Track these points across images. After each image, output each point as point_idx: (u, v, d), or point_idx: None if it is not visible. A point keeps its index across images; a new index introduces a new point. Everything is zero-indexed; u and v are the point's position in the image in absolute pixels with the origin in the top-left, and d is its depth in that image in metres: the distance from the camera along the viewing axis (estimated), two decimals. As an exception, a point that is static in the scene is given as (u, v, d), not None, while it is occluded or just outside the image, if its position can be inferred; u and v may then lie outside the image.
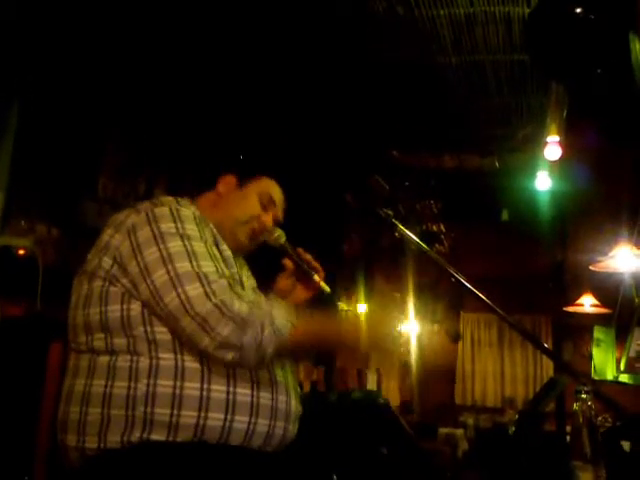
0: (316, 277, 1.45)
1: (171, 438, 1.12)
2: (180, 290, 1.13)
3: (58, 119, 3.00)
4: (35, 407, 1.32)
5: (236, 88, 3.70)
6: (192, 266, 1.16)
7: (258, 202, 1.46)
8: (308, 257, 1.48)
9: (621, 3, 2.15)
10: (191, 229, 1.23)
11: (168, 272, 1.15)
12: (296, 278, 1.49)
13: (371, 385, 6.53)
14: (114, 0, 2.93)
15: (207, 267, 1.17)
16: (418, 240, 1.49)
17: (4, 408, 1.67)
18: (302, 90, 3.95)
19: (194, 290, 1.13)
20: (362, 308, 6.31)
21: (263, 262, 1.51)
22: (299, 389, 1.34)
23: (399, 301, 7.23)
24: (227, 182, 1.46)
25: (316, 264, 1.48)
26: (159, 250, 1.17)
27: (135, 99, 3.43)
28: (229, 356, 1.13)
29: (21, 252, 2.85)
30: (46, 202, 3.03)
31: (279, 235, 1.48)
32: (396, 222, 1.50)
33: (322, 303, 1.51)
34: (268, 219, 1.47)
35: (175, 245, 1.18)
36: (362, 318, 1.30)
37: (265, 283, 1.51)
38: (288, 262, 1.48)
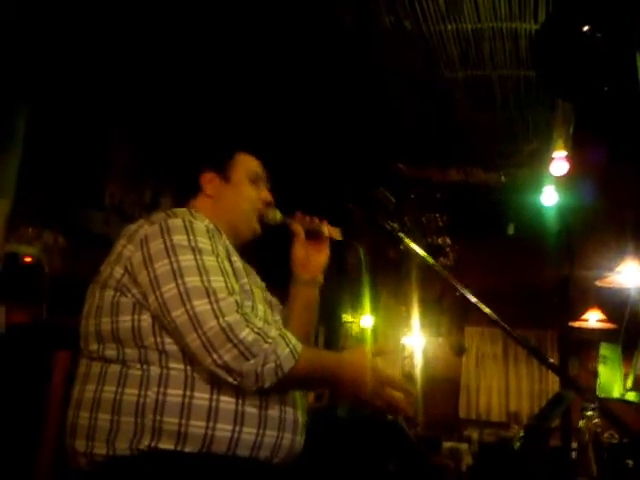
0: (325, 230, 1.50)
1: (179, 448, 1.12)
2: (189, 306, 1.13)
3: (65, 127, 3.02)
4: (40, 414, 1.33)
5: (244, 94, 3.73)
6: (202, 281, 1.16)
7: (250, 184, 1.47)
8: (308, 218, 1.52)
9: (628, 22, 2.16)
10: (203, 242, 1.23)
11: (178, 286, 1.15)
12: (307, 242, 1.52)
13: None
14: (122, 7, 2.97)
15: (217, 282, 1.17)
16: (423, 253, 1.50)
17: (9, 414, 1.67)
18: (308, 103, 3.97)
19: (202, 306, 1.13)
20: (367, 320, 6.29)
21: (269, 255, 1.52)
22: (305, 400, 1.34)
23: (404, 314, 7.21)
24: (209, 180, 1.46)
25: (316, 219, 1.52)
26: (170, 263, 1.17)
27: (143, 107, 3.46)
28: (229, 379, 1.13)
29: (28, 260, 2.86)
30: (53, 210, 3.05)
31: (274, 213, 1.51)
32: (401, 235, 1.51)
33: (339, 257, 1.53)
34: (265, 193, 1.50)
35: (187, 259, 1.18)
36: (374, 363, 1.21)
37: (278, 272, 1.52)
38: (297, 226, 1.52)
